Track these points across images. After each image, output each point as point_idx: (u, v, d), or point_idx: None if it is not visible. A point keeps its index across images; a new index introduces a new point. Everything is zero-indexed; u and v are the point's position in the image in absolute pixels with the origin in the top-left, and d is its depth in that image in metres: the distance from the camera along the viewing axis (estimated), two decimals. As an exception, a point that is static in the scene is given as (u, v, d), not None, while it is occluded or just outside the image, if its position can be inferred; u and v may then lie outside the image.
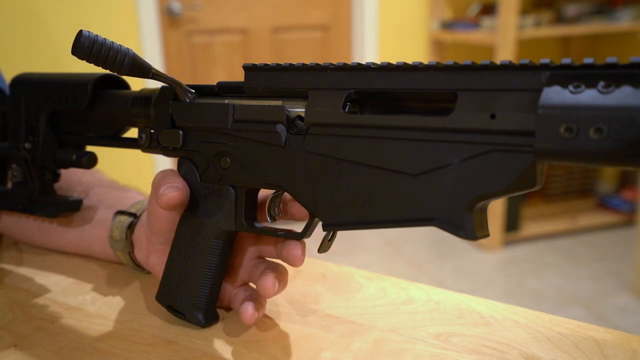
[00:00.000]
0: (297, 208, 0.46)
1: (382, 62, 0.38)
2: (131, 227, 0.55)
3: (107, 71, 0.44)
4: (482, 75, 0.34)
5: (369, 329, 0.47)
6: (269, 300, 0.51)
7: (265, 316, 0.49)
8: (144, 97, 0.50)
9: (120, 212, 0.57)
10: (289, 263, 0.46)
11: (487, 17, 2.63)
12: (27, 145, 0.57)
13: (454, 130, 0.35)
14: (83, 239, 0.61)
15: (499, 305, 0.50)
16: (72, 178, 0.64)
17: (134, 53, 0.43)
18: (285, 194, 0.47)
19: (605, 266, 2.38)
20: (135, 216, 0.56)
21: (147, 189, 0.49)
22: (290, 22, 2.72)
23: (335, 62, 0.40)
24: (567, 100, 0.30)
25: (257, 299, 0.48)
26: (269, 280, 0.45)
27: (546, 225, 2.68)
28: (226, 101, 0.46)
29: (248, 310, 0.45)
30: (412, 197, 0.37)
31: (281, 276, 0.46)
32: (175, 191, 0.45)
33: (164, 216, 0.48)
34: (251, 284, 0.51)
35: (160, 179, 0.47)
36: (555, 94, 0.31)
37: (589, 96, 0.29)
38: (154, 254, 0.51)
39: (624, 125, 0.28)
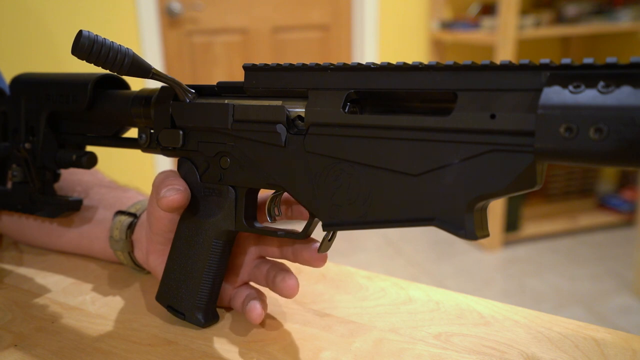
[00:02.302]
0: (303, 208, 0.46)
1: (382, 62, 0.38)
2: (131, 227, 0.55)
3: (107, 71, 0.44)
4: (482, 75, 0.34)
5: (369, 329, 0.47)
6: (269, 300, 0.51)
7: (266, 316, 0.49)
8: (144, 97, 0.50)
9: (120, 212, 0.57)
10: (308, 265, 0.47)
11: (487, 17, 2.63)
12: (27, 145, 0.57)
13: (454, 130, 0.35)
14: (83, 239, 0.61)
15: (499, 305, 0.50)
16: (72, 178, 0.64)
17: (134, 53, 0.43)
18: (286, 194, 0.47)
19: (605, 266, 2.38)
20: (135, 216, 0.56)
21: (148, 189, 0.49)
22: (290, 22, 2.72)
23: (335, 62, 0.40)
24: (567, 100, 0.30)
25: (261, 297, 0.48)
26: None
27: (546, 225, 2.68)
28: (226, 101, 0.46)
29: (256, 309, 0.46)
30: (412, 197, 0.37)
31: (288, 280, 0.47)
32: (177, 194, 0.45)
33: (164, 217, 0.48)
34: (252, 283, 0.51)
35: (161, 180, 0.47)
36: (555, 94, 0.31)
37: (589, 96, 0.29)
38: (154, 254, 0.51)
39: (624, 125, 0.28)
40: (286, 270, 0.48)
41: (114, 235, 0.56)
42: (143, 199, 0.60)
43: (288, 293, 0.46)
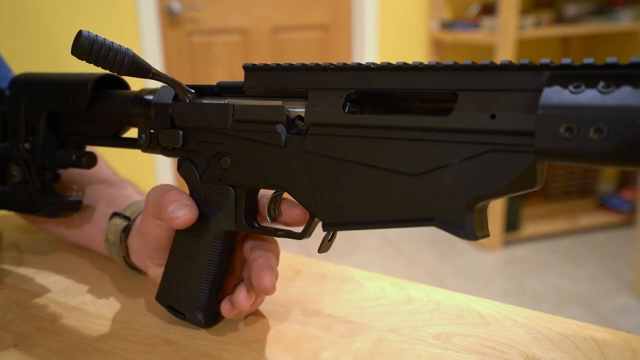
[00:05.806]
0: (293, 214, 0.44)
1: (382, 62, 0.38)
2: (126, 230, 0.55)
3: (107, 71, 0.44)
4: (482, 75, 0.34)
5: (369, 329, 0.47)
6: (269, 300, 0.51)
7: (266, 316, 0.49)
8: (144, 97, 0.50)
9: (116, 214, 0.56)
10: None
11: (487, 17, 2.63)
12: (27, 145, 0.57)
13: (454, 130, 0.35)
14: (83, 237, 0.61)
15: (499, 305, 0.50)
16: (70, 173, 0.63)
17: (133, 53, 0.43)
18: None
19: (605, 266, 2.38)
20: (129, 219, 0.55)
21: (147, 190, 0.49)
22: (290, 22, 2.72)
23: (335, 62, 0.40)
24: (567, 100, 0.30)
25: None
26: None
27: (546, 225, 2.68)
28: (226, 101, 0.46)
29: (240, 294, 0.45)
30: (412, 197, 0.37)
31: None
32: (189, 211, 0.45)
33: (163, 236, 0.48)
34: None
35: (162, 198, 0.46)
36: (555, 94, 0.31)
37: (589, 96, 0.29)
38: (153, 266, 0.51)
39: (624, 125, 0.28)
40: (263, 267, 0.45)
41: (109, 239, 0.56)
42: (139, 200, 0.59)
43: (263, 290, 0.44)
